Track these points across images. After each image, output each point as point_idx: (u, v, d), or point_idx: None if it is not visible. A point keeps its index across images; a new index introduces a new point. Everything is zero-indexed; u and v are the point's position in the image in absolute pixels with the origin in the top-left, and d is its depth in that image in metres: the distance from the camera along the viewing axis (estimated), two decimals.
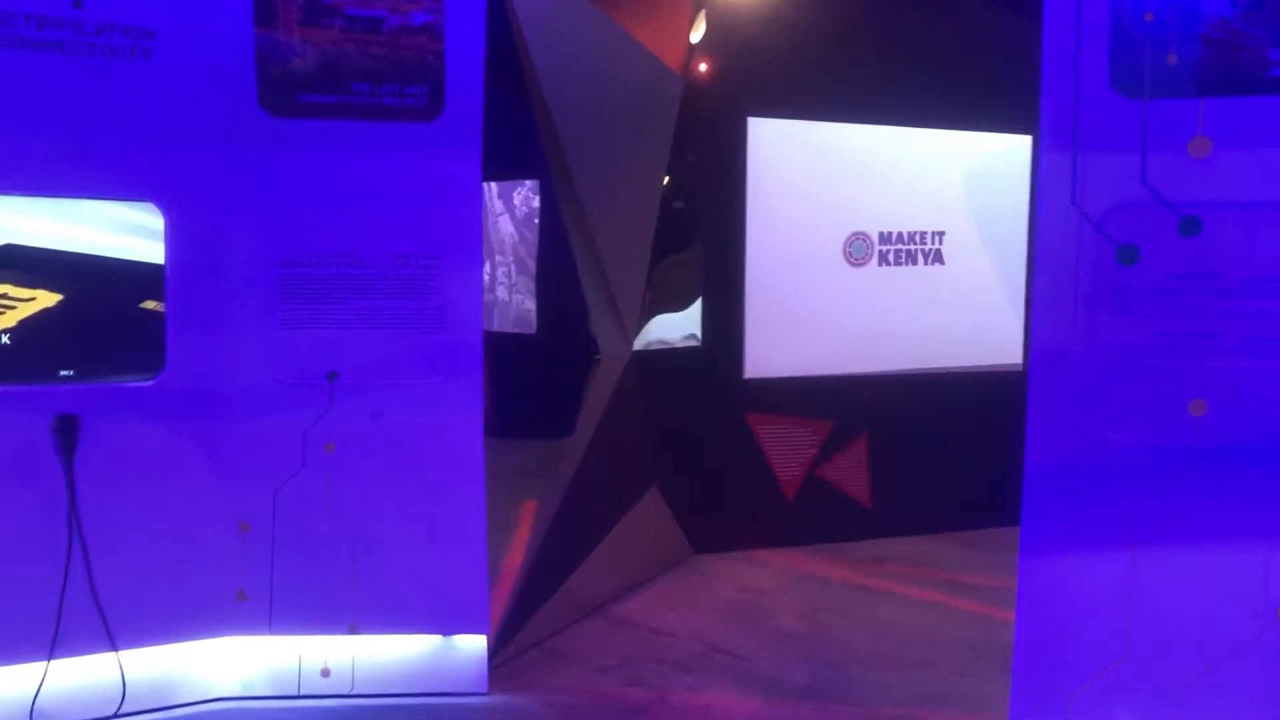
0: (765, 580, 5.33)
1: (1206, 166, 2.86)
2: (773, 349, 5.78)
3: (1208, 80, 2.84)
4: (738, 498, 5.79)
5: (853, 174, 5.88)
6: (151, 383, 3.61)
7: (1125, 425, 2.97)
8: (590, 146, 4.30)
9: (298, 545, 3.78)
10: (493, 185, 8.74)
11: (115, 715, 3.63)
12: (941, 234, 6.11)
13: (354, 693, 3.85)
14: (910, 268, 6.06)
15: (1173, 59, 2.87)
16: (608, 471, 4.72)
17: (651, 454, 5.30)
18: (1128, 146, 2.93)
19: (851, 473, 6.04)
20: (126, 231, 3.58)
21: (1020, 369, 6.33)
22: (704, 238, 5.47)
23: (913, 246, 6.04)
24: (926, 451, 6.16)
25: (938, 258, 6.13)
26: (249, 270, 3.70)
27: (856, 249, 5.91)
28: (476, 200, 3.83)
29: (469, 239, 3.82)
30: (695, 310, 5.55)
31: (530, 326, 8.64)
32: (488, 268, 8.80)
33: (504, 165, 8.04)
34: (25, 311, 3.47)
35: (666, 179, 4.96)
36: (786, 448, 5.87)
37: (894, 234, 6.01)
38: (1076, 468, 3.03)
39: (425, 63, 3.70)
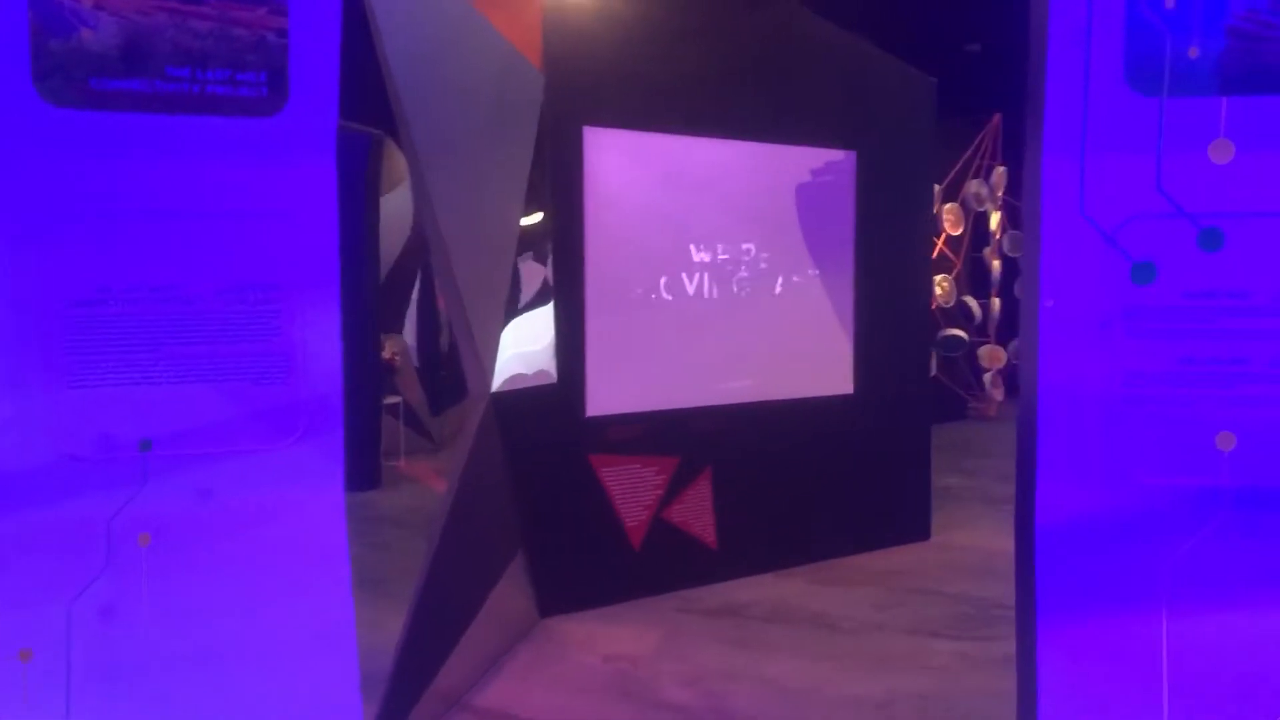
0: (630, 644, 4.74)
1: (1229, 172, 2.56)
2: (615, 382, 5.22)
3: (1232, 76, 2.55)
4: (582, 551, 5.18)
5: (692, 191, 5.43)
6: None
7: (1149, 466, 2.63)
8: (446, 148, 3.60)
9: (103, 674, 2.85)
10: None
11: None
12: (774, 255, 5.78)
13: None
14: (748, 290, 5.69)
15: (1194, 52, 2.55)
16: (474, 540, 4.00)
17: (516, 512, 4.62)
18: (1143, 149, 2.60)
19: (697, 512, 5.57)
20: None
21: (851, 395, 6.11)
22: (552, 259, 4.84)
23: (747, 270, 5.67)
24: (766, 484, 5.80)
25: (773, 279, 5.79)
26: (24, 313, 2.76)
27: (696, 271, 5.46)
28: (331, 214, 3.05)
29: (323, 263, 3.03)
30: (549, 342, 4.90)
31: None
32: None
33: None
34: None
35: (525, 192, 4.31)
36: (632, 490, 5.32)
37: (730, 255, 5.61)
38: (1098, 519, 2.66)
39: (264, 42, 2.89)
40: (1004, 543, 6.42)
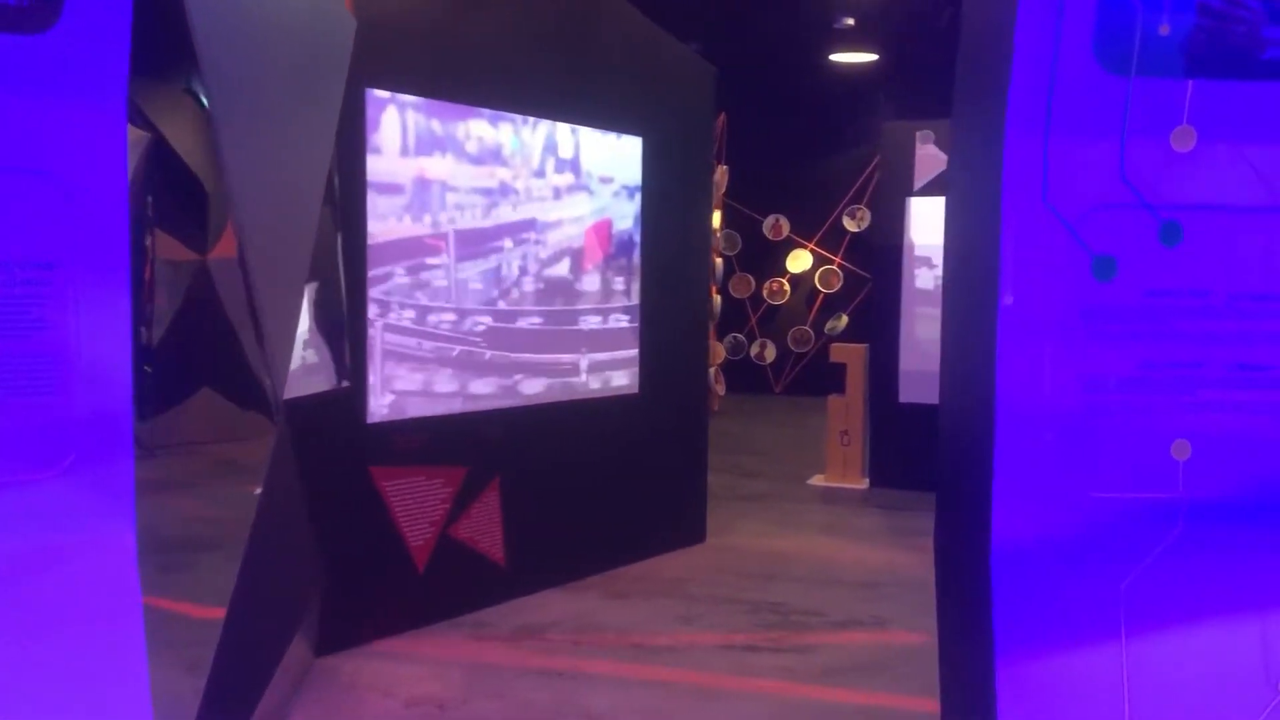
0: (431, 683, 4.15)
1: (1190, 162, 2.39)
2: (400, 382, 4.58)
3: (1198, 57, 2.36)
4: (362, 578, 4.51)
5: (485, 169, 4.88)
6: None
7: (1108, 479, 2.42)
8: (241, 95, 2.88)
9: None
10: None
11: None
12: (564, 247, 5.34)
13: None
14: (540, 284, 5.20)
15: (1165, 29, 2.35)
16: (274, 585, 3.28)
17: (315, 547, 3.90)
18: (1108, 134, 2.37)
19: (485, 527, 5.03)
20: None
21: (637, 395, 5.78)
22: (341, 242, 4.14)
23: (537, 263, 5.20)
24: (554, 492, 5.35)
25: (564, 273, 5.34)
26: None
27: (486, 257, 4.92)
28: (119, 170, 2.31)
29: (109, 234, 2.29)
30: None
31: None
32: None
33: None
34: None
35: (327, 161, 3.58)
36: (417, 506, 4.71)
37: (521, 246, 5.11)
38: (1058, 539, 2.41)
39: None
40: (776, 543, 6.39)
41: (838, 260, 13.88)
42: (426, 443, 4.70)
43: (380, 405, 4.50)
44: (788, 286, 14.11)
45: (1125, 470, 2.42)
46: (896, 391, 7.88)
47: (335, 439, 4.27)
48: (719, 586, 5.46)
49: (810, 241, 13.99)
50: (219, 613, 4.27)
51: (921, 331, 7.79)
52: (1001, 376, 2.38)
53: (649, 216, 5.76)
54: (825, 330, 13.92)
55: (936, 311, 7.75)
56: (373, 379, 4.44)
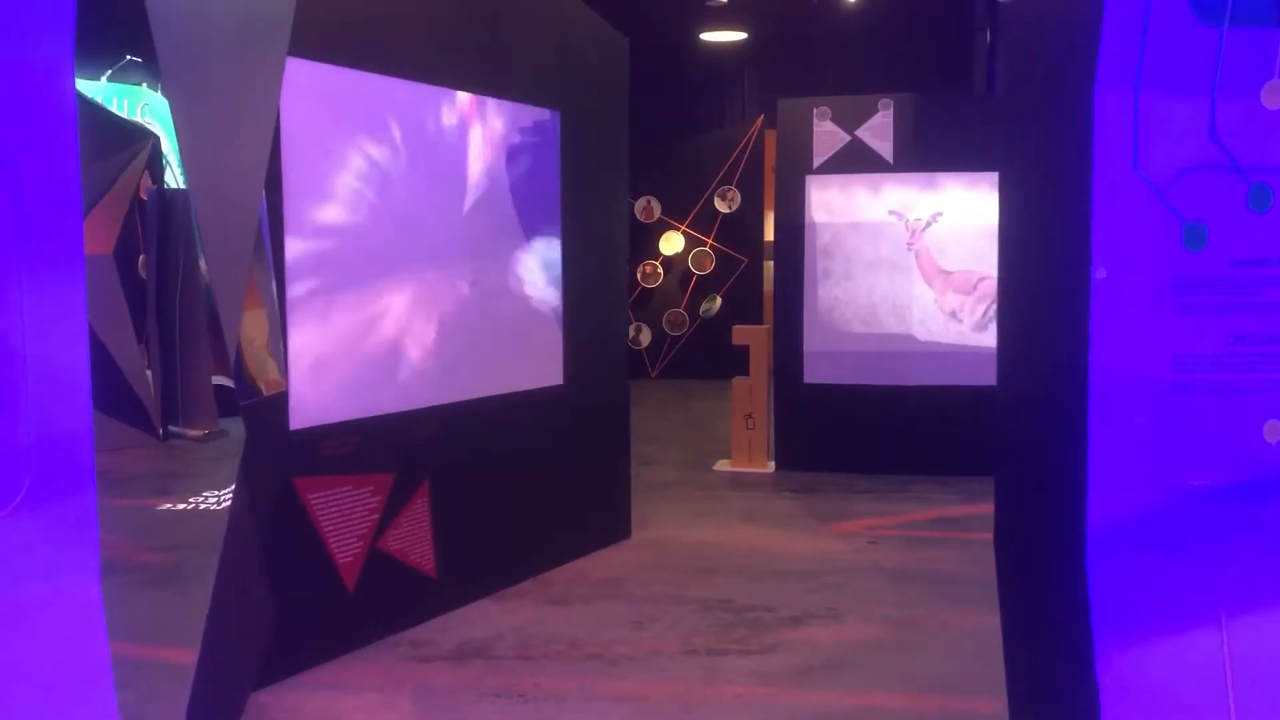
0: (381, 714, 3.73)
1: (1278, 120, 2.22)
2: (324, 384, 4.13)
3: None
4: (289, 602, 4.04)
5: (403, 149, 4.44)
6: None
7: (1199, 464, 2.23)
8: (189, 60, 2.43)
9: None
10: None
11: None
12: (491, 230, 4.95)
13: None
14: (466, 272, 4.81)
15: None
16: (242, 620, 2.82)
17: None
18: (1200, 90, 2.18)
19: (415, 537, 4.62)
20: None
21: (561, 386, 5.45)
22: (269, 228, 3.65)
23: (463, 248, 4.80)
24: (483, 494, 4.98)
25: (490, 259, 4.96)
26: None
27: (407, 244, 4.49)
28: (69, 143, 1.85)
29: (56, 214, 1.83)
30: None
31: None
32: None
33: None
34: None
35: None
36: (344, 518, 4.26)
37: (446, 231, 4.70)
38: (1155, 529, 2.22)
39: None
40: (703, 534, 6.15)
41: (710, 242, 13.76)
42: (354, 448, 4.26)
43: (304, 409, 4.03)
44: (661, 269, 13.92)
45: (1218, 455, 2.24)
46: (801, 372, 7.75)
47: (254, 449, 3.79)
48: (659, 585, 5.19)
49: (682, 223, 13.82)
50: (148, 651, 3.77)
51: (825, 311, 7.68)
52: (1095, 357, 2.17)
53: (569, 199, 5.42)
54: (700, 312, 13.80)
55: (839, 291, 7.67)
56: (295, 380, 3.98)
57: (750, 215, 13.71)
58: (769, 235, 14.09)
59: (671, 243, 13.84)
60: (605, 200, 5.81)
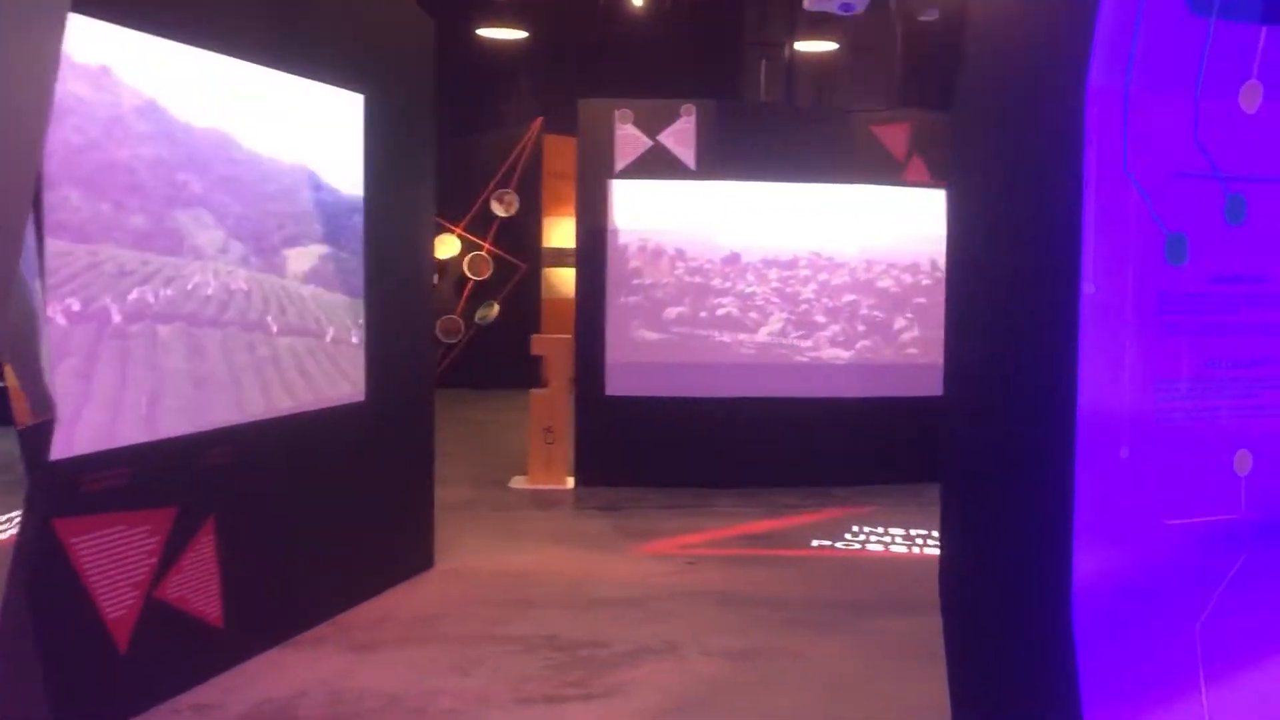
0: None
1: (1256, 124, 2.05)
2: (88, 406, 3.43)
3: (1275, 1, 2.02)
4: (49, 669, 3.32)
5: (192, 128, 3.79)
6: None
7: (1178, 501, 2.03)
8: None
9: None
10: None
11: None
12: (287, 227, 4.34)
13: None
14: (256, 272, 4.18)
15: None
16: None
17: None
18: (1186, 88, 1.97)
19: (199, 581, 3.95)
20: None
21: (363, 402, 4.89)
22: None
23: (257, 247, 4.17)
24: (276, 527, 4.36)
25: (284, 260, 4.35)
26: None
27: (185, 241, 3.84)
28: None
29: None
30: None
31: None
32: None
33: None
34: None
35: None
36: (116, 565, 3.56)
37: (240, 227, 4.07)
38: (1134, 575, 1.99)
39: None
40: (511, 560, 5.69)
41: (487, 246, 13.26)
42: (127, 480, 3.57)
43: (63, 435, 3.32)
44: (435, 274, 13.27)
45: (1193, 490, 2.04)
46: (603, 384, 7.42)
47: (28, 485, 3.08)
48: (475, 622, 4.70)
49: (458, 226, 13.24)
50: None
51: (630, 321, 7.38)
52: (1085, 382, 1.92)
53: (373, 192, 4.86)
54: (476, 319, 13.27)
55: (641, 300, 7.39)
56: (59, 403, 3.26)
57: (529, 220, 13.31)
58: (548, 241, 13.77)
59: (446, 246, 13.24)
60: (412, 195, 5.28)
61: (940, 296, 7.63)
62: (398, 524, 5.23)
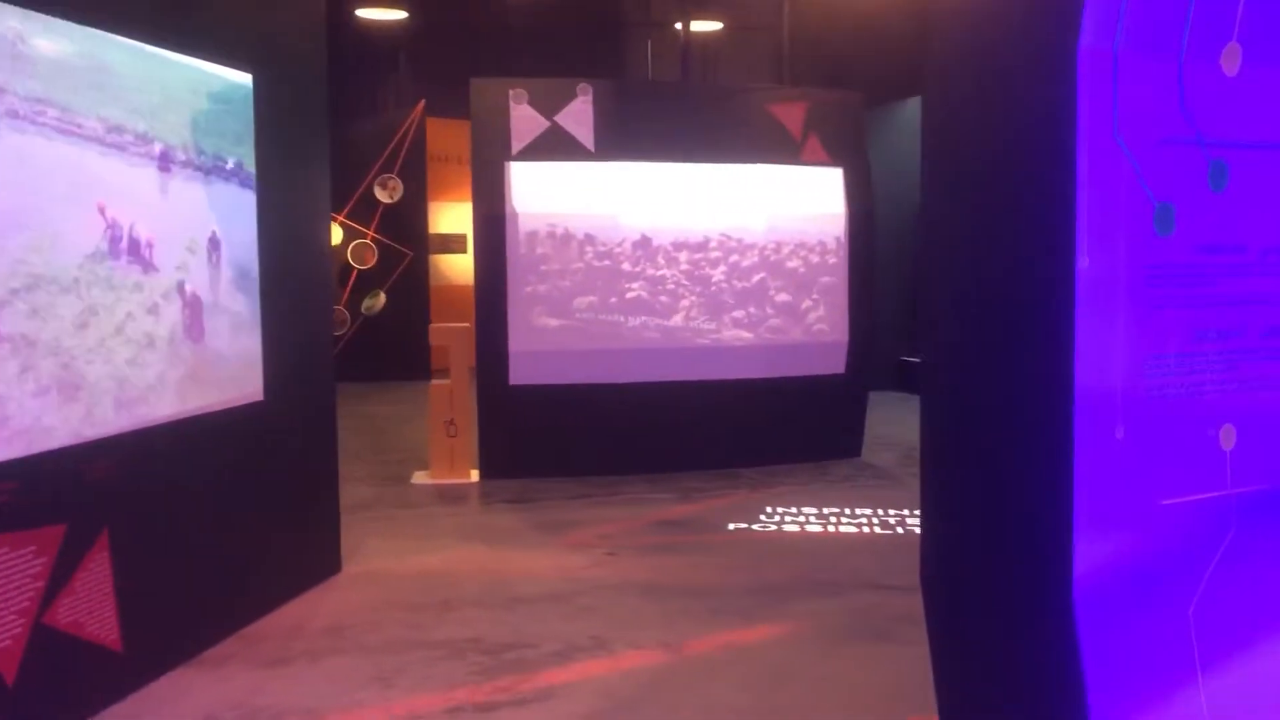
0: None
1: (1235, 88, 1.98)
2: None
3: None
4: None
5: (48, 98, 3.47)
6: None
7: (1170, 480, 1.96)
8: None
9: None
10: None
11: None
12: (181, 212, 4.03)
13: None
14: (136, 257, 3.87)
15: None
16: None
17: None
18: (1172, 50, 1.89)
19: (93, 603, 3.64)
20: None
21: (262, 402, 4.60)
22: None
23: (147, 233, 3.86)
24: (176, 539, 4.06)
25: (174, 246, 4.04)
26: None
27: (60, 232, 3.51)
28: None
29: None
30: None
31: None
32: None
33: None
34: None
35: None
36: None
37: (127, 212, 3.75)
38: (1134, 558, 1.91)
39: None
40: (423, 560, 5.47)
41: (370, 234, 12.86)
42: (8, 498, 3.25)
43: None
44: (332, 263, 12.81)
45: (1183, 468, 1.98)
46: (506, 374, 7.21)
47: None
48: (393, 628, 4.48)
49: (340, 214, 12.79)
50: None
51: (533, 309, 7.18)
52: (1081, 360, 1.83)
53: (266, 177, 4.57)
54: (362, 310, 12.88)
55: (545, 287, 7.18)
56: None
57: (414, 206, 12.95)
58: (435, 227, 13.42)
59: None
60: (307, 181, 4.99)
61: (844, 274, 7.63)
62: (302, 527, 4.96)
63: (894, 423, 9.21)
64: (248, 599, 4.51)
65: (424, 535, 6.00)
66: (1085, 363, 1.82)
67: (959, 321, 2.06)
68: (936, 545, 2.09)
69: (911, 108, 12.03)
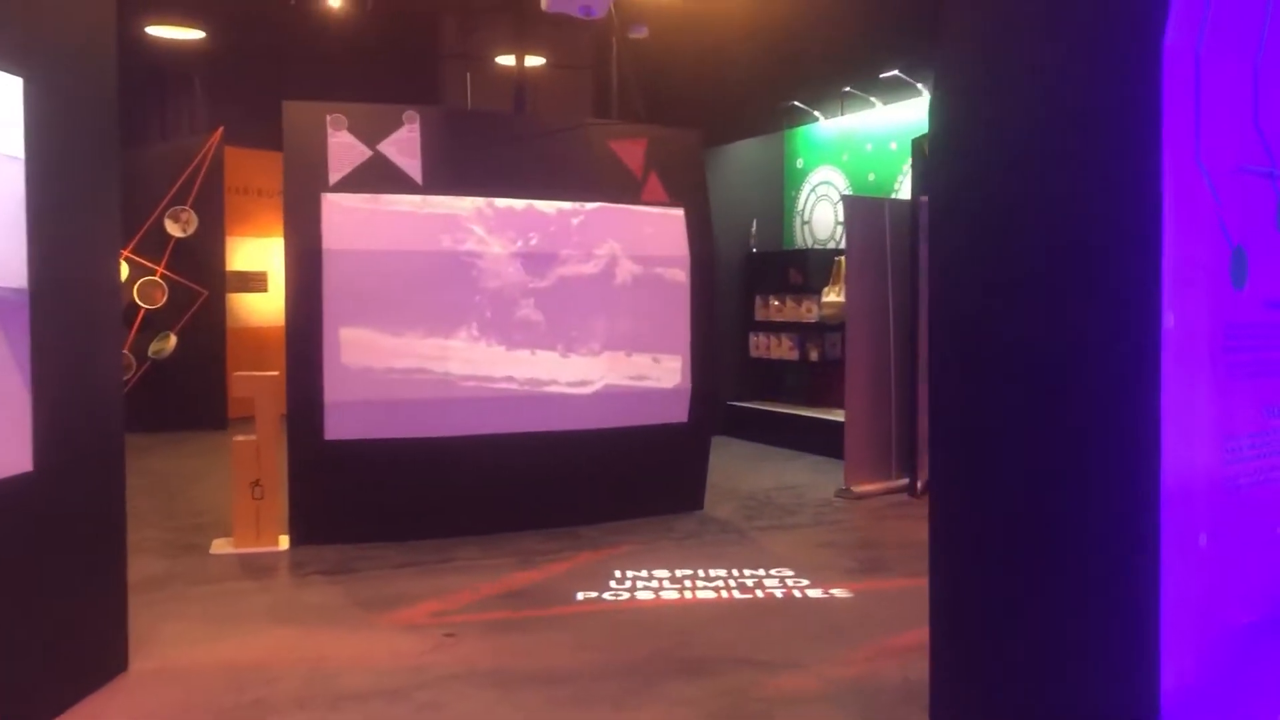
0: None
1: None
2: None
3: None
4: None
5: None
6: None
7: (1250, 593, 1.57)
8: None
9: None
10: None
11: None
12: None
13: None
14: None
15: None
16: None
17: None
18: (1250, 57, 1.52)
19: None
20: None
21: (31, 474, 3.82)
22: None
23: None
24: None
25: None
26: None
27: None
28: None
29: None
30: None
31: None
32: None
33: None
34: None
35: None
36: None
37: None
38: (1217, 678, 1.50)
39: None
40: (230, 652, 4.75)
41: (160, 270, 11.74)
42: None
43: None
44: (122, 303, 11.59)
45: (1261, 575, 1.60)
46: (322, 428, 6.47)
47: None
48: None
49: (125, 248, 11.63)
50: None
51: (350, 355, 6.48)
52: (1168, 442, 1.41)
53: (38, 200, 3.80)
54: (150, 354, 11.71)
55: (368, 331, 6.49)
56: None
57: (210, 241, 11.92)
58: (232, 264, 12.39)
59: None
60: (91, 203, 4.22)
61: (686, 318, 7.25)
62: (80, 620, 4.14)
63: (728, 471, 8.91)
64: (15, 711, 3.67)
65: (228, 617, 5.20)
66: (1171, 450, 1.41)
67: (1006, 379, 1.63)
68: (977, 662, 1.65)
69: (743, 148, 11.92)
